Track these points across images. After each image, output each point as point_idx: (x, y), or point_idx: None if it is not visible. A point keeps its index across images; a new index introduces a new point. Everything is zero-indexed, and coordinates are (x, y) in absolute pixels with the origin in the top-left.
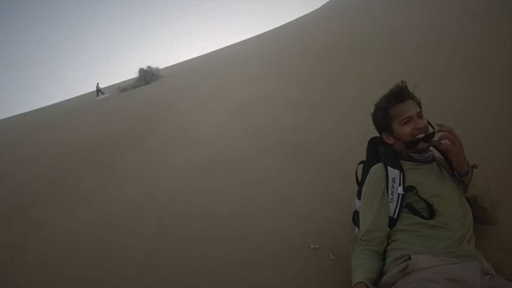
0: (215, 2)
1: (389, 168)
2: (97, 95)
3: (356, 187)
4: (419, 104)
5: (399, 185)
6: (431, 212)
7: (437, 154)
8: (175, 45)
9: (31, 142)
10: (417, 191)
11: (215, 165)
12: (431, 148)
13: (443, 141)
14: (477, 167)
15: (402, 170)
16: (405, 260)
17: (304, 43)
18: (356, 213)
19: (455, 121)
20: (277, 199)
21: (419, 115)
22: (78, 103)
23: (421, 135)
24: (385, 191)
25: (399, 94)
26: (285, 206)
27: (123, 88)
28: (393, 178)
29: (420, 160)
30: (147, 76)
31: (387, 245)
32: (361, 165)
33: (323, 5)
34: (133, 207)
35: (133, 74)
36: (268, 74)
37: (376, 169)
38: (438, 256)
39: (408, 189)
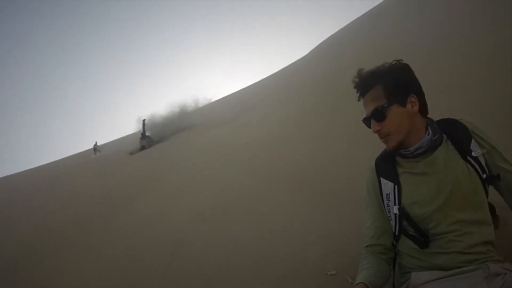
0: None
1: (382, 180)
2: (94, 153)
3: None
4: (387, 90)
5: (394, 204)
6: (425, 242)
7: None
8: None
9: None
10: (410, 215)
11: (228, 202)
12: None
13: None
14: None
15: (396, 182)
16: (408, 278)
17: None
18: None
19: None
20: (293, 227)
21: (374, 113)
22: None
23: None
24: (382, 202)
25: (357, 91)
26: (301, 234)
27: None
28: (387, 194)
29: (408, 156)
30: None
31: (396, 254)
32: None
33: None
34: (142, 251)
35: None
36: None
37: (368, 175)
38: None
39: (403, 212)
